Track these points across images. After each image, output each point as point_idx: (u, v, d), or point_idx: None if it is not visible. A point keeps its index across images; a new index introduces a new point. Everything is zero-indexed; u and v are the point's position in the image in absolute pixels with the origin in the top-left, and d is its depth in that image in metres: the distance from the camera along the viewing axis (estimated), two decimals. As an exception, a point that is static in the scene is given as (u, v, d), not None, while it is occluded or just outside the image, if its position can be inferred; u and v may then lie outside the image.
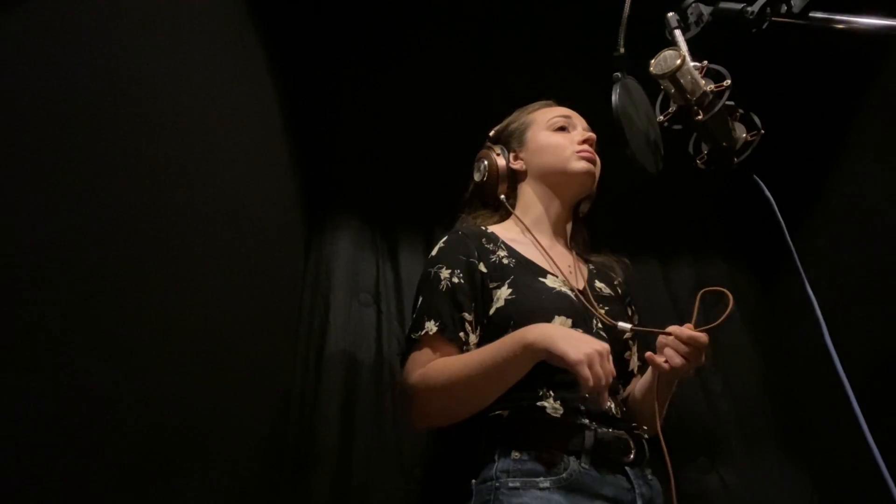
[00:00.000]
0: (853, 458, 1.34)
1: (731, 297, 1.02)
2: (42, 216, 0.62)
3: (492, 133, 1.43)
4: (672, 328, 1.04)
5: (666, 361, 1.03)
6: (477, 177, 1.37)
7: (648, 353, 1.07)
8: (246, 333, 1.14)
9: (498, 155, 1.34)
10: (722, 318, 1.00)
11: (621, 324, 1.04)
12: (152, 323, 0.81)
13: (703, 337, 1.02)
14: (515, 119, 1.39)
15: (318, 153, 1.70)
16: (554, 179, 1.30)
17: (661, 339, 1.06)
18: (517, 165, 1.34)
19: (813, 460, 1.56)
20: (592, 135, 1.31)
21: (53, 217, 0.63)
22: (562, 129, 1.32)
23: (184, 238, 0.91)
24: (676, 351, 1.02)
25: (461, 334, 1.09)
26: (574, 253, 1.34)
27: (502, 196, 1.34)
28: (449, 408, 1.06)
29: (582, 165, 1.26)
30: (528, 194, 1.33)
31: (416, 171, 1.72)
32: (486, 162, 1.35)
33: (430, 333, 1.08)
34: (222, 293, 1.03)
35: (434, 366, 1.06)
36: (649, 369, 1.12)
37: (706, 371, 1.66)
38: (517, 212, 1.32)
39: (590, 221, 1.44)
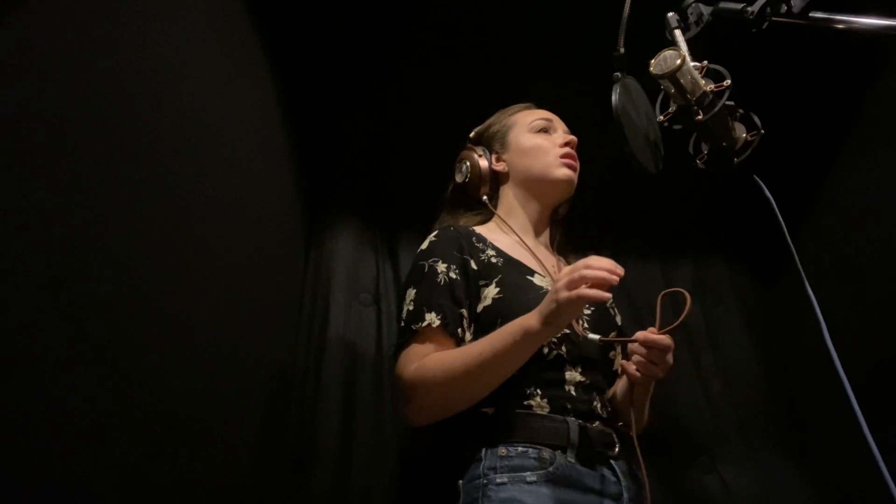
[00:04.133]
0: (853, 458, 1.34)
1: (688, 297, 1.03)
2: (49, 216, 0.62)
3: (472, 134, 1.44)
4: (638, 334, 1.05)
5: (637, 368, 1.04)
6: (459, 178, 1.38)
7: (622, 362, 1.10)
8: (246, 333, 1.14)
9: (480, 156, 1.36)
10: (680, 318, 1.01)
11: (591, 335, 1.06)
12: (152, 323, 0.81)
13: (664, 339, 1.03)
14: (496, 121, 1.41)
15: (318, 153, 1.70)
16: (536, 184, 1.32)
17: (631, 346, 1.07)
18: (499, 167, 1.35)
19: (813, 460, 1.56)
20: (573, 137, 1.33)
21: (57, 217, 0.63)
22: (543, 130, 1.34)
23: (184, 238, 0.91)
24: (642, 356, 1.04)
25: (459, 330, 1.10)
26: (556, 253, 1.36)
27: (484, 197, 1.35)
28: (446, 401, 1.07)
29: (563, 173, 1.29)
30: (510, 197, 1.35)
31: (416, 171, 1.72)
32: (468, 163, 1.36)
33: (434, 326, 1.08)
34: (222, 293, 1.03)
35: (430, 359, 1.06)
36: None
37: (706, 371, 1.66)
38: (499, 213, 1.34)
39: (590, 220, 1.44)
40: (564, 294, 0.94)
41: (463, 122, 1.50)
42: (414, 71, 1.81)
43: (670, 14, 0.99)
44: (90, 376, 0.68)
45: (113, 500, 0.72)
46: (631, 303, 1.68)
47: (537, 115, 1.36)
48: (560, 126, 1.37)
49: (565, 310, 0.96)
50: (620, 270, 0.96)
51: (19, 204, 0.59)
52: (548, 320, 0.98)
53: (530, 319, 1.00)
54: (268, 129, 1.37)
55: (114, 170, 0.74)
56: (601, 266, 0.95)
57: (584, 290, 0.93)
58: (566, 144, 1.31)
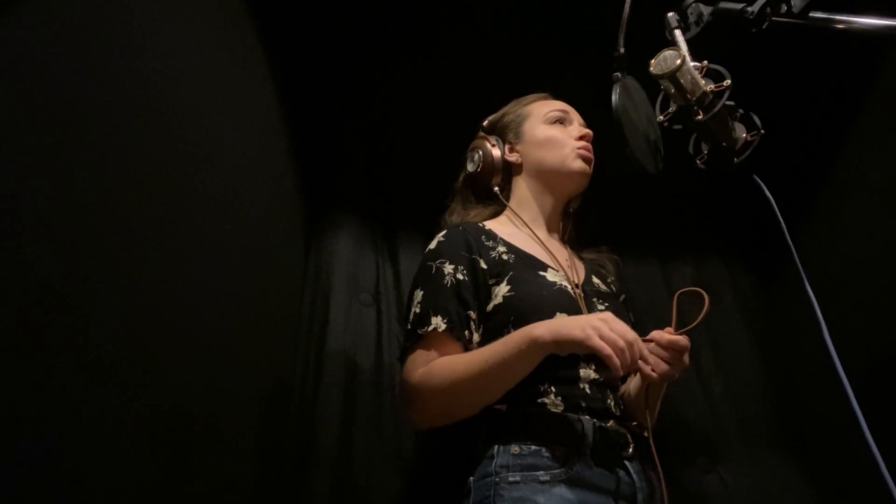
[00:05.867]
0: (853, 458, 1.34)
1: (706, 296, 1.01)
2: (47, 217, 0.62)
3: (485, 123, 1.41)
4: (653, 334, 1.03)
5: (653, 369, 1.01)
6: (470, 167, 1.35)
7: (639, 362, 1.07)
8: (246, 333, 1.14)
9: (493, 146, 1.33)
10: (699, 318, 0.99)
11: None
12: (151, 323, 0.81)
13: (683, 340, 1.01)
14: (511, 110, 1.38)
15: (318, 153, 1.70)
16: (550, 176, 1.30)
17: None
18: (513, 158, 1.33)
19: (813, 460, 1.56)
20: (590, 131, 1.31)
21: (56, 217, 0.63)
22: (559, 122, 1.32)
23: (183, 238, 0.91)
24: (659, 357, 1.02)
25: (466, 333, 1.08)
26: (569, 248, 1.33)
27: (496, 188, 1.33)
28: (452, 407, 1.06)
29: (579, 165, 1.27)
30: (523, 188, 1.32)
31: (417, 170, 1.72)
32: (480, 152, 1.33)
33: (439, 331, 1.06)
34: (222, 293, 1.03)
35: (437, 365, 1.04)
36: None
37: (706, 371, 1.66)
38: (511, 205, 1.31)
39: (590, 220, 1.43)
40: (593, 339, 0.91)
41: (463, 122, 1.50)
42: (414, 70, 1.81)
43: (670, 14, 0.99)
44: (89, 374, 0.68)
45: (113, 500, 0.72)
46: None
47: (553, 107, 1.34)
48: (576, 118, 1.35)
49: (577, 345, 0.94)
50: (646, 370, 0.98)
51: (19, 204, 0.59)
52: (558, 340, 0.96)
53: (539, 329, 0.98)
54: (267, 129, 1.37)
55: (113, 170, 0.74)
56: (612, 338, 0.91)
57: (608, 349, 0.90)
58: (582, 138, 1.29)
